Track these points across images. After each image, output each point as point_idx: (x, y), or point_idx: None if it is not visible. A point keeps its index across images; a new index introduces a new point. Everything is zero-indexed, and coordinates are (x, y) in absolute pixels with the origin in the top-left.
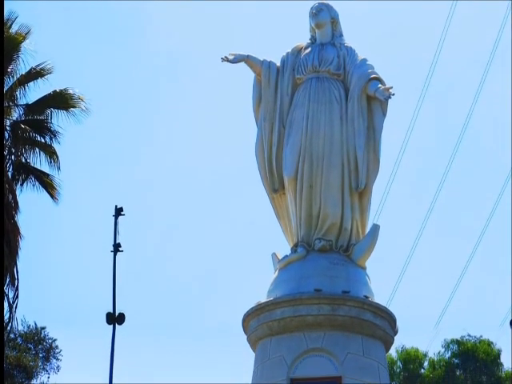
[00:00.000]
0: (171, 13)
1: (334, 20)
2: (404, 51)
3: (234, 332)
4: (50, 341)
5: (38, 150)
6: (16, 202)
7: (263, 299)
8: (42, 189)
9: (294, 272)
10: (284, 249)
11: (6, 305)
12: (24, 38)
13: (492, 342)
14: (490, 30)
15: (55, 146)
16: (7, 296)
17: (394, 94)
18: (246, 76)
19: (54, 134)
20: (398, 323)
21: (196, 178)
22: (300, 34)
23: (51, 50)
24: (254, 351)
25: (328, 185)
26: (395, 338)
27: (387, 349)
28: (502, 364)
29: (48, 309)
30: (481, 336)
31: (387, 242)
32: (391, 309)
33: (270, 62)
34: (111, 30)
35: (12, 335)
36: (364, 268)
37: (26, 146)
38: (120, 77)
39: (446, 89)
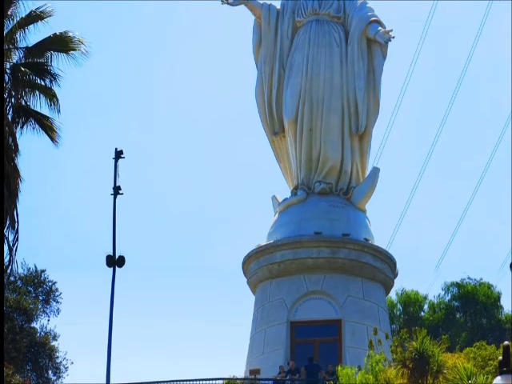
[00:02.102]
0: None
1: None
2: None
3: (234, 274)
4: (50, 283)
5: (37, 92)
6: (16, 145)
7: (263, 242)
8: (42, 131)
9: (293, 215)
10: (284, 192)
11: (5, 247)
12: None
13: (492, 285)
14: None
15: (55, 88)
16: (7, 239)
17: (393, 37)
18: (246, 19)
19: (54, 77)
20: (398, 266)
21: (196, 120)
22: None
23: None
24: (253, 294)
25: (328, 128)
26: (395, 280)
27: (387, 292)
28: (501, 307)
29: (48, 251)
30: (481, 279)
31: (387, 185)
32: (391, 252)
33: (270, 5)
34: None
35: (12, 278)
36: (364, 211)
37: (26, 89)
38: (120, 20)
39: (445, 31)
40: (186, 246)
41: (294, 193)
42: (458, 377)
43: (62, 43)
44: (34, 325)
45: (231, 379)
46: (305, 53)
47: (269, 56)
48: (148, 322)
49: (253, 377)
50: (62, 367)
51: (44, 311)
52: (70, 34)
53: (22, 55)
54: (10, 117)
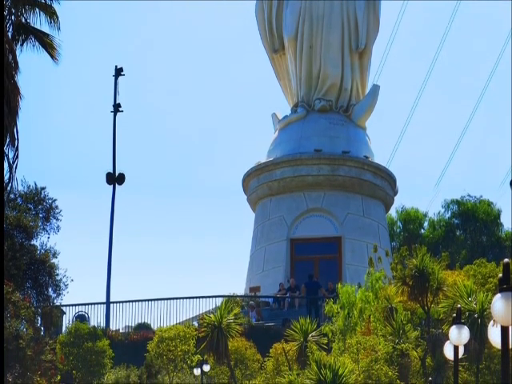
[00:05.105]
0: None
1: None
2: None
3: (234, 191)
4: (50, 201)
5: (38, 10)
6: (16, 62)
7: (263, 159)
8: (41, 49)
9: (293, 132)
10: (284, 109)
11: (5, 165)
12: None
13: (492, 202)
14: None
15: (55, 6)
16: (7, 156)
17: None
18: None
19: None
20: (398, 183)
21: (196, 37)
22: None
23: None
24: (254, 211)
25: (328, 45)
26: (395, 198)
27: (387, 209)
28: (501, 224)
29: (48, 169)
30: (481, 196)
31: (387, 103)
32: (391, 169)
33: None
34: None
35: (12, 195)
36: (364, 128)
37: (26, 7)
38: None
39: None
40: (186, 163)
41: (293, 110)
42: (457, 294)
43: None
44: (34, 242)
45: (231, 297)
46: None
47: None
48: (148, 239)
49: (253, 294)
50: (62, 285)
51: (44, 229)
52: None
53: None
54: (9, 34)
